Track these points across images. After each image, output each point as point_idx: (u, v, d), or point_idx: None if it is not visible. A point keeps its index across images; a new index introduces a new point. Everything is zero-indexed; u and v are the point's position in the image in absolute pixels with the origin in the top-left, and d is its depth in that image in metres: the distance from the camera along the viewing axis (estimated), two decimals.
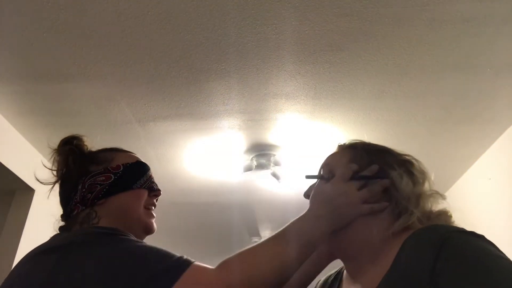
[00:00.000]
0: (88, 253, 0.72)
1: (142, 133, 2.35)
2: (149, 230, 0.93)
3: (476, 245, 0.61)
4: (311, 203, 0.80)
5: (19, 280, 0.74)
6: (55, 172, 0.93)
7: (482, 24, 1.60)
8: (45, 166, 0.94)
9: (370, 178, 0.78)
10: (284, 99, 2.07)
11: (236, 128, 2.34)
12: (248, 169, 2.60)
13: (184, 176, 2.82)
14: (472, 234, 0.64)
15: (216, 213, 3.45)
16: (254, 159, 2.57)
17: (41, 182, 0.93)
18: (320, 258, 0.88)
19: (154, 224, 0.94)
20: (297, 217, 0.77)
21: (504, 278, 0.56)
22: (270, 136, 2.42)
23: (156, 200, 0.98)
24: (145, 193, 0.94)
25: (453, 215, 0.75)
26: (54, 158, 0.93)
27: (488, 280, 0.56)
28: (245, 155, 2.59)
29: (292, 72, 1.88)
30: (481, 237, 0.64)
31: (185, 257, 0.73)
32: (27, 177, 2.36)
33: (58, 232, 0.90)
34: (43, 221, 2.53)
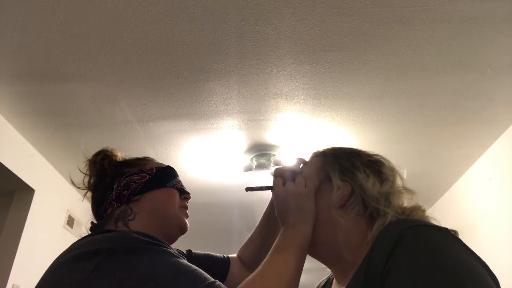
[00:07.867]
0: (128, 261, 0.72)
1: (142, 133, 2.35)
2: (183, 227, 0.96)
3: (429, 240, 0.59)
4: (279, 219, 0.81)
5: (56, 280, 0.75)
6: (87, 180, 0.96)
7: (482, 24, 1.60)
8: (80, 171, 0.97)
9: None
10: (284, 99, 2.07)
11: (236, 128, 2.34)
12: (248, 169, 2.60)
13: (184, 176, 2.80)
14: (434, 227, 0.62)
15: (216, 213, 3.44)
16: (254, 159, 2.57)
17: (77, 187, 0.96)
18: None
19: (188, 224, 0.97)
20: (277, 238, 0.77)
21: (443, 277, 0.53)
22: (270, 136, 2.42)
23: (187, 203, 1.01)
24: (177, 193, 0.98)
25: (426, 210, 0.75)
26: (88, 167, 0.97)
27: (424, 277, 0.54)
28: (245, 155, 2.59)
29: (292, 72, 1.88)
30: (443, 230, 0.61)
31: (217, 283, 0.72)
32: (27, 177, 2.36)
33: (90, 231, 0.91)
34: (43, 221, 2.53)
